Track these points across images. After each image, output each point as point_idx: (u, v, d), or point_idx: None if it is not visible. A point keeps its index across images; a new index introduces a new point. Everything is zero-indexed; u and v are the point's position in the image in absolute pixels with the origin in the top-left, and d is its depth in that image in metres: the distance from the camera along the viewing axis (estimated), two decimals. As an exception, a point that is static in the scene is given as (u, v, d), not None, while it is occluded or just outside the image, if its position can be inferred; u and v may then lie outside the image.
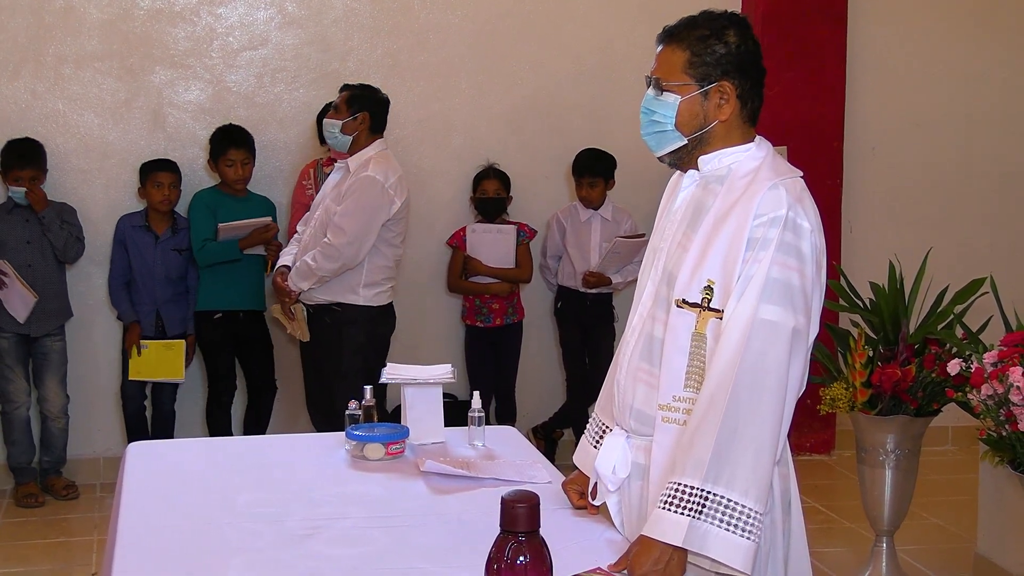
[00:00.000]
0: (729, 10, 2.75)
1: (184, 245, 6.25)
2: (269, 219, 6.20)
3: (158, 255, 6.22)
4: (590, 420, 3.05)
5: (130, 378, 6.25)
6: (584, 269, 6.55)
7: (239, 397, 6.49)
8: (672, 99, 2.69)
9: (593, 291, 6.56)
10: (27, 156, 6.07)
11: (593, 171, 6.52)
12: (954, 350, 4.63)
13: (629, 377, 2.77)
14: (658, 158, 2.81)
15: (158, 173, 6.20)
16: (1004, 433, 4.31)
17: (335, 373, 5.48)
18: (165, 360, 6.20)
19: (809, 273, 2.57)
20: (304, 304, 5.57)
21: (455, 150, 6.81)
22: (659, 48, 2.75)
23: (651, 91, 2.74)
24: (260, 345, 6.39)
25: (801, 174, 2.70)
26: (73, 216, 6.21)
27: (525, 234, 6.59)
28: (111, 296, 6.31)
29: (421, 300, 6.74)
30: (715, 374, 2.53)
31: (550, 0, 6.84)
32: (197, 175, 6.53)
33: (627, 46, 6.66)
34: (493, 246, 6.50)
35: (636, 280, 6.43)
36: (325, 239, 5.42)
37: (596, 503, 2.90)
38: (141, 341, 6.18)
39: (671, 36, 2.72)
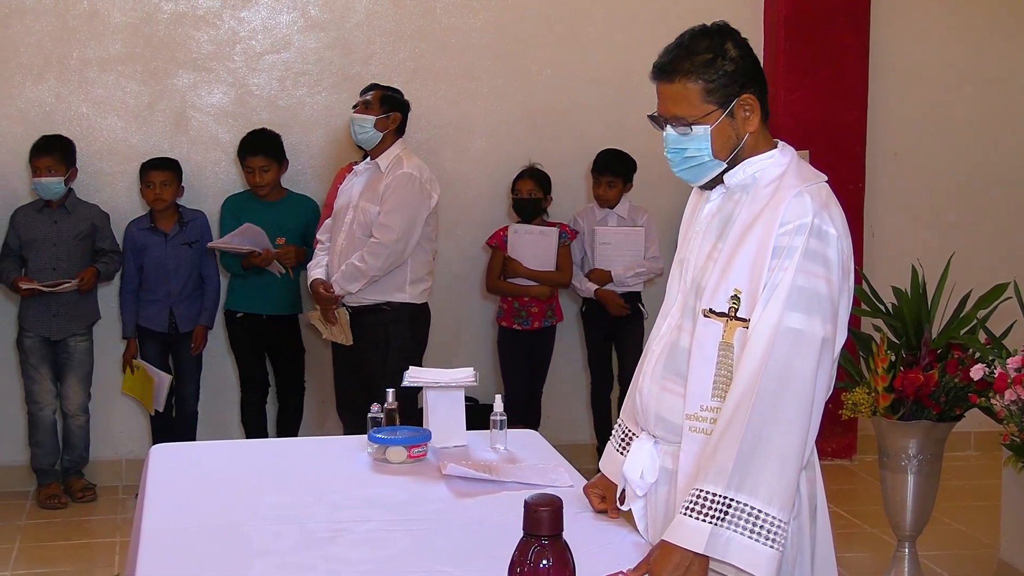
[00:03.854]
0: (708, 24, 2.68)
1: (193, 238, 6.26)
2: (262, 250, 6.11)
3: (169, 252, 6.23)
4: (615, 425, 3.04)
5: (122, 391, 6.34)
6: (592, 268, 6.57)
7: (273, 398, 6.54)
8: (702, 130, 2.64)
9: (619, 290, 6.54)
10: (47, 147, 6.08)
11: (614, 171, 6.50)
12: (977, 355, 4.62)
13: (654, 386, 2.76)
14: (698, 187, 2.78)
15: (149, 172, 6.21)
16: (1027, 438, 4.29)
17: (379, 373, 5.44)
18: (147, 387, 6.24)
19: (836, 280, 2.55)
20: (346, 307, 5.58)
21: (476, 153, 6.82)
22: (660, 86, 2.68)
23: (673, 131, 2.68)
24: (288, 348, 6.40)
25: (826, 179, 2.68)
26: (106, 223, 6.24)
27: (567, 235, 6.55)
28: (120, 304, 6.34)
29: (447, 302, 6.74)
30: (740, 382, 2.52)
31: (570, 4, 6.85)
32: (220, 178, 6.56)
33: (647, 49, 6.53)
34: (534, 248, 6.47)
35: (644, 275, 6.46)
36: (372, 239, 5.46)
37: (625, 508, 2.90)
38: (135, 361, 6.23)
39: (673, 71, 2.64)
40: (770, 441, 2.46)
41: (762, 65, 2.74)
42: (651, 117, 2.74)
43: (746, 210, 2.64)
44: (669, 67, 2.66)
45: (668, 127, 2.69)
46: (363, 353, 5.62)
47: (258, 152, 6.25)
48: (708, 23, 2.69)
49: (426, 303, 5.76)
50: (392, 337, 5.57)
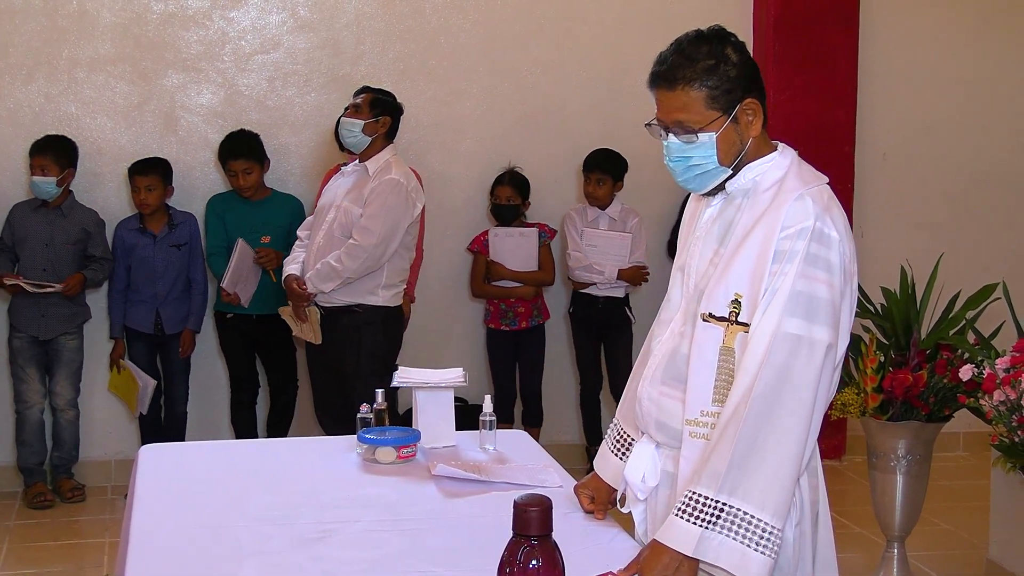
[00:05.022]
0: (704, 28, 2.64)
1: (182, 240, 6.26)
2: (252, 253, 6.14)
3: (157, 254, 6.22)
4: (610, 426, 3.04)
5: (108, 389, 6.35)
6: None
7: (264, 398, 6.55)
8: (707, 138, 2.61)
9: (603, 295, 6.56)
10: (43, 146, 6.07)
11: (603, 168, 6.51)
12: (966, 355, 4.62)
13: (653, 391, 2.74)
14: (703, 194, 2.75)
15: (134, 177, 6.21)
16: (1016, 439, 4.30)
17: (353, 375, 5.46)
18: (132, 388, 6.24)
19: (837, 284, 2.53)
20: (318, 306, 5.56)
21: (466, 154, 6.82)
22: (660, 93, 2.64)
23: (676, 139, 2.64)
24: (279, 347, 6.39)
25: (827, 180, 2.66)
26: (100, 229, 6.22)
27: (546, 235, 6.60)
28: (108, 304, 6.34)
29: (437, 303, 6.75)
30: (738, 387, 2.50)
31: (560, 4, 6.85)
32: (209, 178, 6.56)
33: (639, 49, 6.58)
34: (516, 250, 6.51)
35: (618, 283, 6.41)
36: (351, 240, 5.42)
37: (625, 511, 2.89)
38: (121, 361, 6.23)
39: (674, 79, 2.60)
40: (764, 446, 2.44)
41: (750, 66, 2.73)
42: (649, 126, 2.70)
43: (747, 214, 2.62)
44: (670, 74, 2.61)
45: (670, 136, 2.65)
46: (336, 355, 5.59)
47: (239, 155, 6.25)
48: (704, 28, 2.65)
49: (399, 306, 5.72)
50: (365, 339, 5.52)
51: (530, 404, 6.69)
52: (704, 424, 2.59)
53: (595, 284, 6.53)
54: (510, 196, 6.53)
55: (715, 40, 2.62)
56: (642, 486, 2.79)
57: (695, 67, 2.58)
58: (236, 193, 6.34)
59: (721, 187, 2.70)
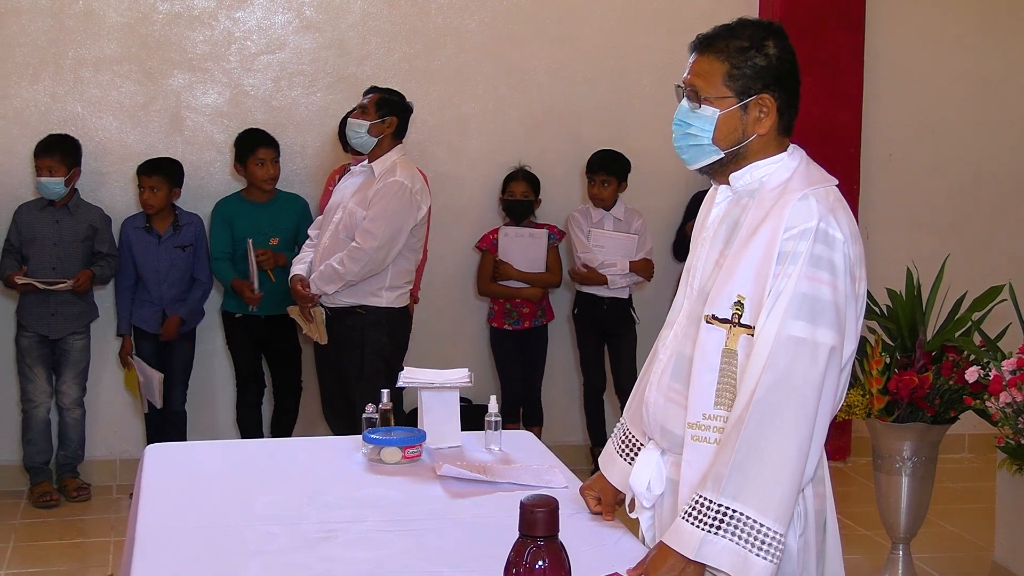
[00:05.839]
0: (766, 19, 2.68)
1: (187, 242, 6.27)
2: (257, 251, 6.16)
3: (162, 254, 6.23)
4: (617, 425, 3.02)
5: (124, 387, 6.39)
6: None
7: (268, 398, 6.55)
8: (710, 112, 2.62)
9: (608, 295, 6.56)
10: (49, 147, 6.08)
11: (608, 169, 6.52)
12: (972, 357, 4.62)
13: (660, 397, 2.73)
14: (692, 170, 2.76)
15: (140, 177, 6.22)
16: (1022, 441, 4.30)
17: (357, 375, 5.46)
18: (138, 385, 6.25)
19: (842, 286, 2.50)
20: (324, 307, 5.56)
21: (471, 154, 6.82)
22: (693, 56, 2.67)
23: (686, 103, 2.67)
24: (285, 347, 6.40)
25: (836, 182, 2.65)
26: (106, 225, 6.23)
27: (555, 237, 6.60)
28: (115, 301, 6.35)
29: (442, 303, 6.75)
30: (743, 392, 2.48)
31: (565, 4, 6.85)
32: (214, 178, 6.56)
33: (642, 50, 6.66)
34: (525, 250, 6.52)
35: (631, 279, 6.41)
36: (354, 243, 5.40)
37: (633, 516, 2.88)
38: (129, 358, 6.24)
39: (708, 46, 2.64)
40: (766, 450, 2.42)
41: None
42: (677, 86, 2.72)
43: (752, 215, 2.60)
44: (707, 40, 2.65)
45: (684, 99, 2.68)
46: (340, 355, 5.58)
47: (269, 144, 6.28)
48: (765, 19, 2.69)
49: (405, 307, 5.69)
50: (368, 340, 5.51)
51: (530, 404, 6.69)
52: (706, 427, 2.57)
53: (608, 284, 6.53)
54: (525, 191, 6.54)
55: (762, 29, 2.66)
56: (648, 494, 2.78)
57: (730, 43, 2.62)
58: (241, 195, 6.36)
59: (716, 173, 2.70)
